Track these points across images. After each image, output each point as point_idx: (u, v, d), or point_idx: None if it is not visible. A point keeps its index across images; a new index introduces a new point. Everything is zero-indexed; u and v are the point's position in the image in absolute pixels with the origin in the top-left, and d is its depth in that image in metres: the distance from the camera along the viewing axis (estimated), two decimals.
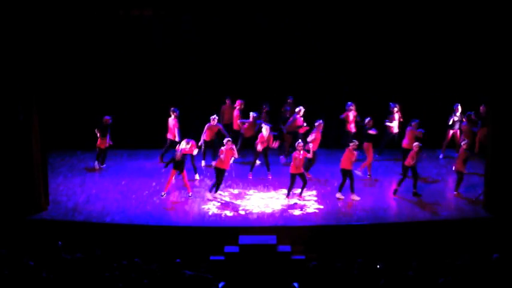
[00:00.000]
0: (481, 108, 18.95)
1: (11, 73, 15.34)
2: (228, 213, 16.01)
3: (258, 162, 18.27)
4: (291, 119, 18.72)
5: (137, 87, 20.20)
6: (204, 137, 18.33)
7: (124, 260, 12.86)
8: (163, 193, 16.79)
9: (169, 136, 18.86)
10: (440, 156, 19.39)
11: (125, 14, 19.09)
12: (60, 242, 13.47)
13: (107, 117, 18.68)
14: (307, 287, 12.51)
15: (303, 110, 18.63)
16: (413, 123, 17.89)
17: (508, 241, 14.63)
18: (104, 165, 19.00)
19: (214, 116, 18.44)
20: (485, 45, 16.34)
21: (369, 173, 18.05)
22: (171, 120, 18.83)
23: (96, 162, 18.84)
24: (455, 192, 16.80)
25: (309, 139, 17.47)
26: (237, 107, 19.34)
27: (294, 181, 16.48)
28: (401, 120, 19.13)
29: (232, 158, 16.68)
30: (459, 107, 19.08)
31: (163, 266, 12.91)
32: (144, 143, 20.35)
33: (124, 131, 20.37)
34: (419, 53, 19.78)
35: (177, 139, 18.44)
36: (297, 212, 16.02)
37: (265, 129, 17.75)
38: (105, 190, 17.40)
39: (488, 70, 15.95)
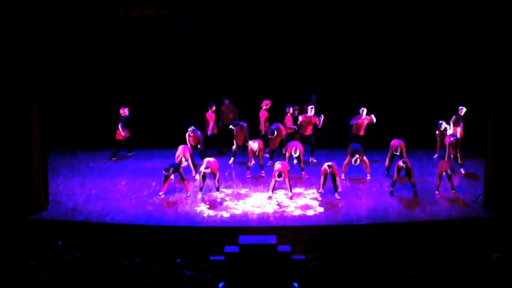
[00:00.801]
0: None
1: (11, 73, 15.35)
2: (228, 213, 16.00)
3: (253, 161, 18.29)
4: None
5: (137, 87, 20.18)
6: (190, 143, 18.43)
7: (124, 260, 12.87)
8: (161, 193, 16.79)
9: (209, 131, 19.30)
10: (435, 157, 19.32)
11: (125, 13, 19.09)
12: (60, 242, 13.48)
13: (123, 109, 19.22)
14: (307, 287, 12.52)
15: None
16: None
17: (508, 241, 14.63)
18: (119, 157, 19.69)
19: (192, 127, 18.51)
20: (484, 46, 16.34)
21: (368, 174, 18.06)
22: (209, 115, 19.09)
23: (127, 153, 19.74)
24: (453, 191, 16.83)
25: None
26: (264, 107, 19.29)
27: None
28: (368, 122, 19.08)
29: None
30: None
31: (163, 266, 12.92)
32: (144, 143, 20.33)
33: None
34: (419, 54, 19.76)
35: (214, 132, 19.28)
36: (297, 212, 16.02)
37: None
38: (105, 190, 17.40)
39: (488, 70, 15.95)
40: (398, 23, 19.53)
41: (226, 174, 18.23)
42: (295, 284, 13.09)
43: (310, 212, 16.00)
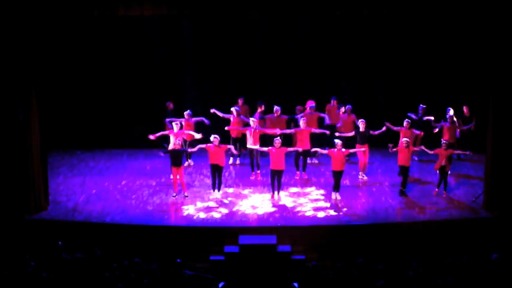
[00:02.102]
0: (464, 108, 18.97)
1: (11, 73, 15.35)
2: (228, 213, 16.00)
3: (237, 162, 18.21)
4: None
5: (137, 87, 20.20)
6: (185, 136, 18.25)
7: (124, 260, 12.87)
8: (174, 194, 16.76)
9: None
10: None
11: (125, 13, 19.11)
12: (60, 242, 13.48)
13: (167, 103, 19.25)
14: (307, 287, 12.51)
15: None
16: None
17: (508, 241, 14.63)
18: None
19: (188, 111, 18.46)
20: (485, 47, 16.32)
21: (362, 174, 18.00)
22: (257, 115, 18.81)
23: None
24: (438, 190, 16.82)
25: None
26: (308, 109, 19.09)
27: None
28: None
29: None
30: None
31: (163, 266, 12.92)
32: (144, 143, 20.32)
33: (124, 131, 20.39)
34: (419, 55, 19.76)
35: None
36: (297, 212, 16.02)
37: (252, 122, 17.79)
38: (105, 190, 17.41)
39: (488, 71, 15.94)
40: (398, 23, 19.53)
41: (227, 174, 18.23)
42: (295, 284, 13.08)
43: (310, 212, 16.00)
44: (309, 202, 16.53)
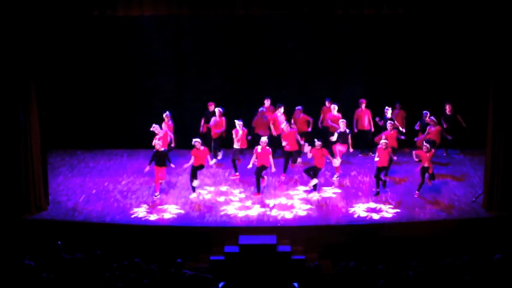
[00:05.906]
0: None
1: (11, 73, 15.36)
2: (229, 213, 16.00)
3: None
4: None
5: (138, 87, 20.18)
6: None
7: (124, 260, 12.88)
8: (156, 193, 16.77)
9: (274, 132, 18.76)
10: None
11: (124, 13, 19.14)
12: (60, 242, 13.49)
13: (209, 103, 19.04)
14: (307, 287, 12.52)
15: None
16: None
17: (508, 241, 14.63)
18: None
19: (167, 112, 18.42)
20: (485, 47, 16.29)
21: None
22: (280, 116, 18.63)
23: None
24: (417, 192, 16.83)
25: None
26: (363, 106, 19.12)
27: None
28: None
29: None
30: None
31: (163, 266, 12.93)
32: (144, 143, 20.32)
33: (124, 131, 20.37)
34: (420, 56, 19.73)
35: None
36: (296, 212, 16.02)
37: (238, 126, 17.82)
38: (105, 190, 17.41)
39: (488, 70, 15.94)
40: (398, 22, 19.51)
41: (227, 174, 18.24)
42: (295, 284, 13.09)
43: (310, 212, 16.00)
44: (309, 202, 16.53)
